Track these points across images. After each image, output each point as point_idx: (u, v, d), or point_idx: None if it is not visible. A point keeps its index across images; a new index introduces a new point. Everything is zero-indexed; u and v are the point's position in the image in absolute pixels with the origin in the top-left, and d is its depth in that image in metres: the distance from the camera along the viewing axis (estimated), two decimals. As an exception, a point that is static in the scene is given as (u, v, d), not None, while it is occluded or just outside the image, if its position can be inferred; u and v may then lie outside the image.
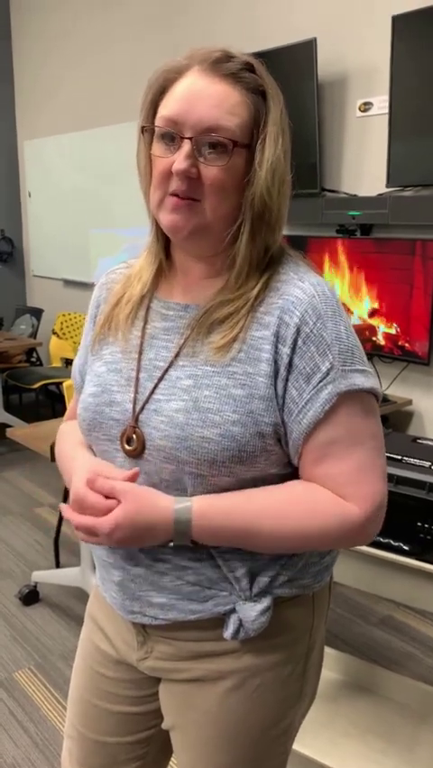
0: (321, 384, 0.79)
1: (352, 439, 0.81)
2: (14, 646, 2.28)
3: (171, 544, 0.82)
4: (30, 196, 5.03)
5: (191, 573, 0.86)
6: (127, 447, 0.85)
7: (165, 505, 0.80)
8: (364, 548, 1.42)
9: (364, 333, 2.76)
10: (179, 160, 0.77)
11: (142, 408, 0.85)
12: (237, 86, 0.79)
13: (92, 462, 0.88)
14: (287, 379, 0.80)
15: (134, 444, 0.84)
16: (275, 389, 0.81)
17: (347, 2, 2.77)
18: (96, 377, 0.91)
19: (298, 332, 0.80)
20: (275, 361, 0.80)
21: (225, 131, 0.77)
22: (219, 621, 0.87)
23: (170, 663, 0.91)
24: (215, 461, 0.80)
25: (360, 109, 2.80)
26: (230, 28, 3.20)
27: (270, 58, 3.04)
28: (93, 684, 1.00)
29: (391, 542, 1.43)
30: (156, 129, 0.80)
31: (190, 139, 0.77)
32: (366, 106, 2.78)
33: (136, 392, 0.86)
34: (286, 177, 0.82)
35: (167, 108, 0.79)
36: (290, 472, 0.85)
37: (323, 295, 0.82)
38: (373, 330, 2.74)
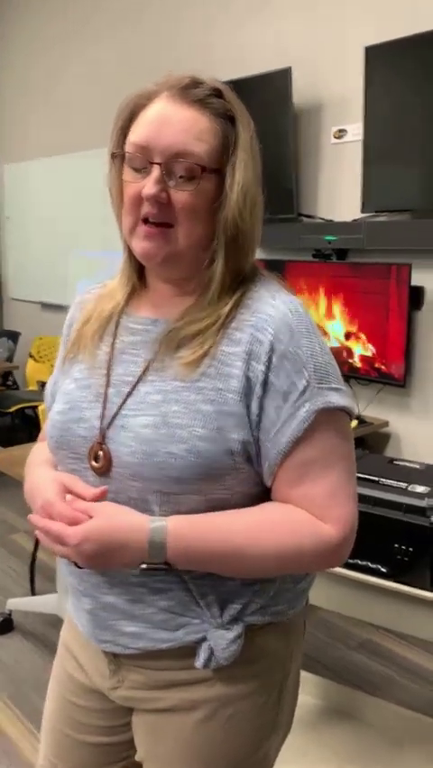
0: (298, 402, 0.79)
1: (328, 459, 0.81)
2: (-12, 676, 2.22)
3: (144, 565, 0.79)
4: (8, 218, 5.02)
5: (162, 599, 0.84)
6: (94, 464, 0.83)
7: (140, 522, 0.78)
8: (342, 570, 1.41)
9: (341, 354, 2.78)
10: (149, 186, 0.78)
11: (110, 424, 0.84)
12: (206, 112, 0.80)
13: (60, 475, 0.86)
14: (262, 398, 0.80)
15: (101, 461, 0.83)
16: (247, 407, 0.80)
17: (322, 32, 2.84)
18: (65, 395, 0.90)
19: (272, 349, 0.80)
20: (248, 378, 0.80)
21: (194, 156, 0.78)
22: (191, 650, 0.85)
23: (142, 693, 0.89)
24: (181, 479, 0.79)
25: (335, 136, 2.85)
26: (210, 56, 3.25)
27: (247, 85, 3.08)
28: (65, 713, 0.97)
29: (369, 564, 1.42)
30: (126, 155, 0.81)
31: (159, 164, 0.78)
32: (341, 133, 2.84)
33: (104, 408, 0.85)
34: (258, 199, 0.83)
35: (136, 134, 0.80)
36: (260, 492, 0.84)
37: (296, 312, 0.82)
38: (349, 352, 2.76)
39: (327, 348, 0.84)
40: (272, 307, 0.82)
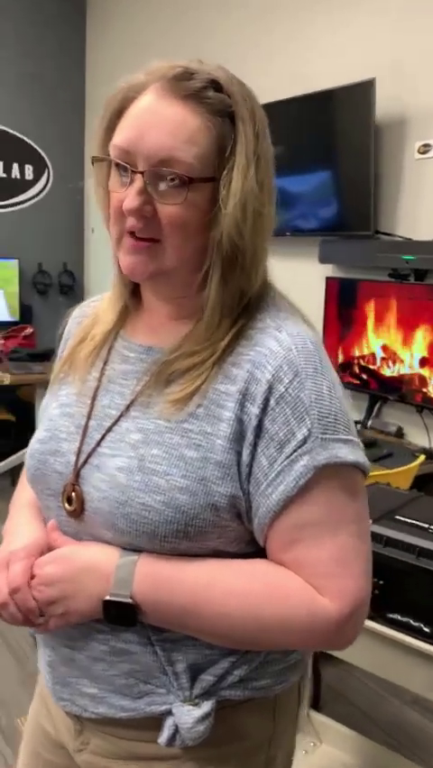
0: (296, 454, 0.67)
1: (330, 522, 0.68)
2: (21, 690, 2.19)
3: (107, 597, 0.70)
4: (93, 231, 5.12)
5: (126, 661, 0.74)
6: (67, 507, 0.75)
7: (109, 549, 0.72)
8: (375, 625, 1.26)
9: (414, 383, 2.59)
10: (130, 198, 0.68)
11: (85, 462, 0.74)
12: (199, 109, 0.68)
13: (27, 542, 0.78)
14: (255, 445, 0.69)
15: (74, 504, 0.74)
16: (238, 456, 0.69)
17: (407, 42, 2.69)
18: (49, 420, 0.82)
19: (270, 390, 0.68)
20: (240, 422, 0.69)
21: (182, 164, 0.67)
22: (156, 721, 0.74)
23: (107, 761, 0.79)
24: (155, 535, 0.68)
25: (419, 151, 2.69)
26: (286, 67, 3.17)
27: (327, 98, 2.98)
28: (32, 765, 0.89)
29: (411, 621, 1.27)
30: (111, 160, 0.71)
31: (142, 173, 0.68)
32: (425, 148, 2.67)
33: (82, 443, 0.76)
34: (263, 209, 0.71)
35: (119, 135, 0.70)
36: (253, 552, 0.73)
37: (303, 348, 0.70)
38: (423, 381, 2.57)
39: (340, 392, 0.71)
40: (276, 341, 0.70)
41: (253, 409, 0.69)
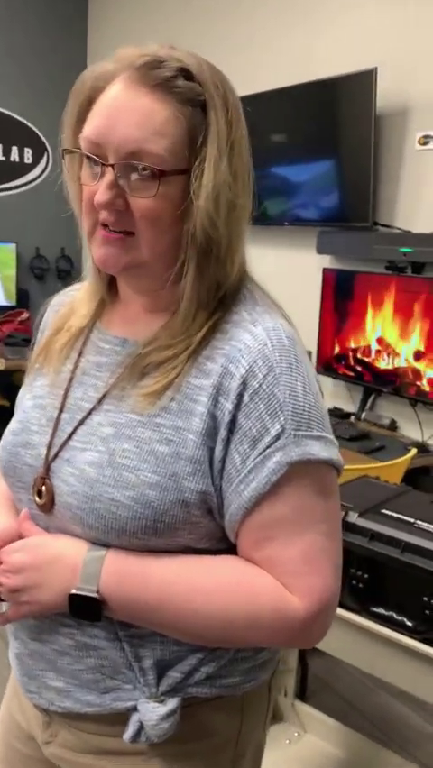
0: (269, 450, 0.67)
1: (301, 520, 0.68)
2: None
3: (73, 590, 0.70)
4: (92, 217, 5.10)
5: (93, 656, 0.74)
6: (38, 500, 0.74)
7: (77, 541, 0.72)
8: (357, 618, 1.26)
9: (408, 376, 2.59)
10: (101, 191, 0.67)
11: (56, 456, 0.74)
12: (168, 99, 0.67)
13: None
14: (228, 441, 0.68)
15: (44, 498, 0.73)
16: (210, 452, 0.68)
17: (409, 32, 2.66)
18: (22, 412, 0.81)
19: (244, 385, 0.68)
20: (213, 417, 0.68)
21: (152, 156, 0.66)
22: (122, 717, 0.74)
23: (73, 755, 0.79)
24: (124, 531, 0.68)
25: (419, 142, 2.67)
26: (287, 55, 3.14)
27: (328, 87, 2.94)
28: (8, 757, 0.89)
29: (394, 615, 1.27)
30: (81, 152, 0.69)
31: (113, 166, 0.66)
32: (426, 140, 2.65)
33: (53, 435, 0.75)
34: (237, 200, 0.69)
35: (88, 127, 0.68)
36: (225, 549, 0.72)
37: (278, 343, 0.69)
38: (417, 374, 2.57)
39: (315, 388, 0.71)
40: (251, 335, 0.70)
41: (227, 405, 0.68)
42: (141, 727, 0.72)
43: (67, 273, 5.09)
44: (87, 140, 0.68)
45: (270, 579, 0.69)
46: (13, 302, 4.38)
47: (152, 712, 0.72)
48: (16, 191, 4.71)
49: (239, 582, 0.69)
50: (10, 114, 4.53)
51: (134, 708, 0.73)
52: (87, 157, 0.69)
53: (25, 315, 4.24)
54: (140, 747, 0.75)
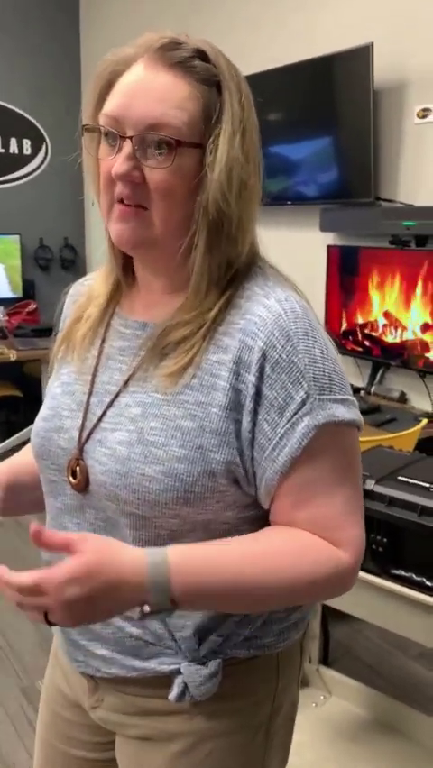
0: (296, 416, 0.70)
1: (334, 478, 0.72)
2: (40, 653, 2.27)
3: (146, 608, 0.66)
4: (93, 204, 5.11)
5: (134, 626, 0.78)
6: (72, 480, 0.78)
7: (136, 555, 0.67)
8: (381, 581, 1.32)
9: (416, 348, 2.63)
10: (119, 163, 0.70)
11: (88, 438, 0.78)
12: (186, 77, 0.70)
13: None
14: (255, 412, 0.71)
15: (78, 478, 0.77)
16: (237, 423, 0.72)
17: (406, 5, 2.66)
18: (51, 399, 0.85)
19: (264, 357, 0.71)
20: (236, 391, 0.72)
21: (170, 128, 0.69)
22: (166, 679, 0.78)
23: (120, 717, 0.84)
24: (156, 503, 0.72)
25: (418, 116, 2.68)
26: (284, 34, 3.14)
27: (325, 63, 2.94)
28: (54, 725, 0.95)
29: (413, 575, 1.32)
30: (100, 128, 0.73)
31: (131, 138, 0.70)
32: (425, 113, 2.66)
33: (84, 419, 0.79)
34: (249, 180, 0.73)
35: (108, 105, 0.72)
36: (253, 516, 0.77)
37: (292, 313, 0.72)
38: (425, 346, 2.60)
39: (332, 353, 0.74)
40: (265, 308, 0.73)
41: (250, 377, 0.71)
42: (185, 688, 0.76)
43: (71, 263, 5.13)
44: (107, 116, 0.71)
45: (319, 540, 0.72)
46: (19, 293, 4.42)
47: (196, 674, 0.76)
48: (17, 183, 4.73)
49: (297, 554, 0.72)
50: (7, 105, 4.53)
51: (178, 671, 0.77)
52: (106, 134, 0.72)
53: (33, 306, 4.28)
54: (183, 706, 0.78)
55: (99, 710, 0.86)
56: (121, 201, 0.72)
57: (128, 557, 0.66)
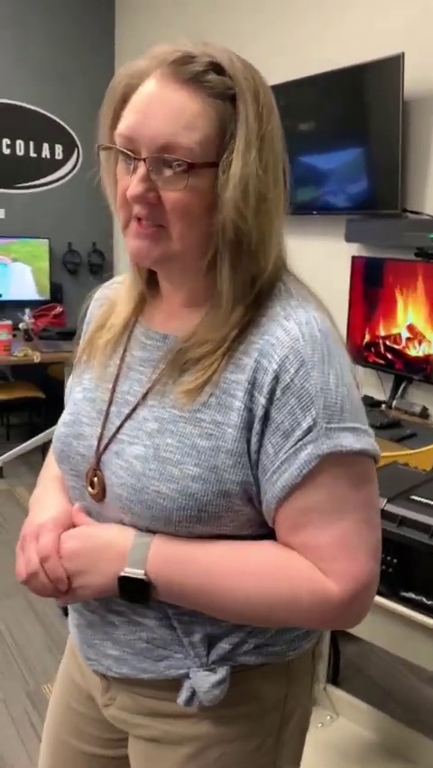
0: (300, 443, 0.69)
1: (335, 508, 0.70)
2: (49, 657, 2.27)
3: (122, 572, 0.73)
4: (122, 210, 5.15)
5: (144, 631, 0.78)
6: (90, 490, 0.79)
7: (126, 529, 0.76)
8: (389, 603, 1.28)
9: (439, 364, 2.57)
10: (133, 185, 0.70)
11: (106, 448, 0.78)
12: (199, 93, 0.68)
13: (59, 511, 0.83)
14: (262, 434, 0.71)
15: (96, 488, 0.78)
16: (247, 444, 0.71)
17: (440, 14, 2.63)
18: (73, 404, 0.85)
19: (276, 379, 0.70)
20: (249, 411, 0.71)
21: (182, 149, 0.68)
22: (175, 683, 0.78)
23: (131, 717, 0.84)
24: (170, 520, 0.72)
25: (449, 127, 2.64)
26: (313, 43, 3.12)
27: (355, 73, 2.91)
28: (66, 718, 0.95)
29: (424, 599, 1.28)
30: (115, 147, 0.72)
31: (145, 160, 0.69)
32: (456, 124, 2.62)
33: (103, 428, 0.79)
34: (268, 192, 0.71)
35: (123, 123, 0.71)
36: (266, 534, 0.75)
37: (310, 337, 0.71)
38: (449, 362, 2.55)
39: (348, 379, 0.72)
40: (283, 330, 0.71)
41: (261, 399, 0.70)
42: (193, 693, 0.77)
43: (99, 267, 5.16)
44: (121, 135, 0.71)
45: (306, 563, 0.71)
46: (47, 296, 4.46)
47: (204, 680, 0.76)
48: (48, 187, 4.79)
49: (277, 566, 0.72)
50: (40, 110, 4.59)
51: (187, 676, 0.77)
52: (121, 152, 0.71)
53: (59, 309, 4.32)
54: (191, 710, 0.79)
55: (111, 709, 0.87)
56: (138, 219, 0.72)
57: (121, 529, 0.76)
